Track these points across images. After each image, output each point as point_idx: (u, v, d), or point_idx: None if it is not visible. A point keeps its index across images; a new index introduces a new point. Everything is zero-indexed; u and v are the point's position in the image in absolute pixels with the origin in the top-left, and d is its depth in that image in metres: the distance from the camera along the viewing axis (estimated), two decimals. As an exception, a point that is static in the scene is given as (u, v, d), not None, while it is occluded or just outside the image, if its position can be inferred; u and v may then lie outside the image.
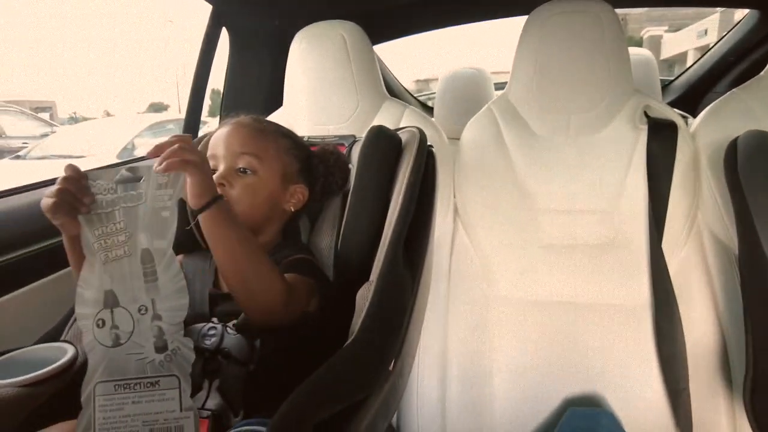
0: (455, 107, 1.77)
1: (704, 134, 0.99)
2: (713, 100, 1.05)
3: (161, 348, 0.57)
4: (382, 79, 1.22)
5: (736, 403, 0.89)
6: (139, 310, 0.58)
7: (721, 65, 1.91)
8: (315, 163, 0.91)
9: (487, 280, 1.03)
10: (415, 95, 2.53)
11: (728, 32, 1.92)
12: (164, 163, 0.60)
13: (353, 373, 0.63)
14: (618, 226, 1.00)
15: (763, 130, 0.88)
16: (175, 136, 0.64)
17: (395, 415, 0.99)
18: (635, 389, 0.94)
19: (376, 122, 1.09)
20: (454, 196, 1.10)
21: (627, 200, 0.99)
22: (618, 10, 1.05)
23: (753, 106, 0.98)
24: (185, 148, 0.61)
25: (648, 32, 11.83)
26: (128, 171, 0.64)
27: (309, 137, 1.08)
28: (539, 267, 1.02)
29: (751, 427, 0.82)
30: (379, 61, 1.99)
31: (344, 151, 1.00)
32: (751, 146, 0.85)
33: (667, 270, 0.93)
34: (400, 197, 0.80)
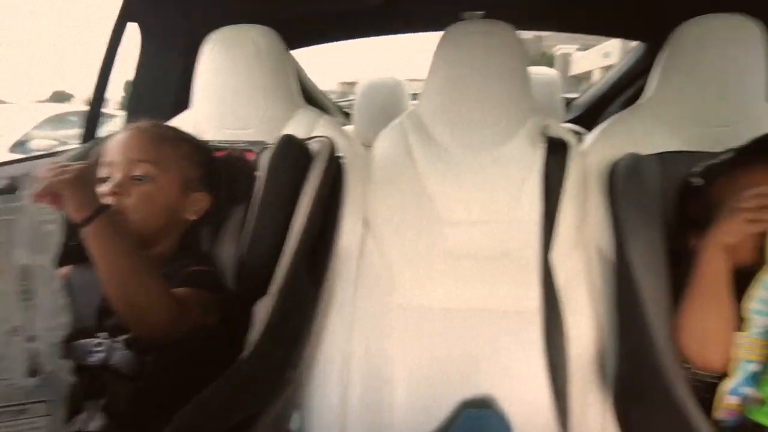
0: (373, 116, 1.80)
1: (592, 154, 1.07)
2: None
3: (34, 372, 0.54)
4: (298, 85, 1.22)
5: (609, 404, 0.97)
6: (10, 331, 0.54)
7: (615, 88, 2.09)
8: (218, 170, 0.89)
9: (392, 289, 1.06)
10: (339, 99, 2.54)
11: (623, 59, 2.11)
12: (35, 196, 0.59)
13: (245, 389, 0.63)
14: (514, 237, 1.06)
15: (639, 154, 0.97)
16: (51, 166, 0.62)
17: (297, 424, 0.98)
18: (523, 391, 0.99)
19: (288, 130, 1.08)
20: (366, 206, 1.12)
21: (523, 213, 1.05)
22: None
23: (635, 128, 1.08)
24: (53, 178, 0.60)
25: (560, 50, 12.64)
26: (8, 180, 0.60)
27: (217, 142, 1.06)
28: (441, 275, 1.06)
29: (616, 425, 0.90)
30: (299, 67, 1.98)
31: (253, 157, 0.99)
32: (628, 168, 0.94)
33: (555, 280, 1.00)
34: (306, 209, 0.80)
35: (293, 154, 0.90)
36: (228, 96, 1.12)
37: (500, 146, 1.09)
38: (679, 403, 0.71)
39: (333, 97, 3.44)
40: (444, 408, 1.00)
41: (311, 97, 2.01)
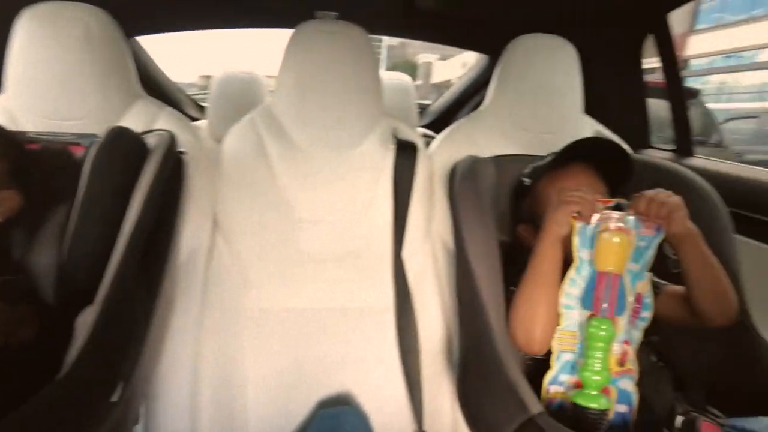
0: (228, 111, 1.71)
1: (437, 156, 1.14)
2: None
3: None
4: (135, 75, 1.12)
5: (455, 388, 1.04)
6: None
7: (464, 95, 2.26)
8: (32, 165, 0.78)
9: (246, 290, 1.02)
10: (199, 92, 2.38)
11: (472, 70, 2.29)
12: None
13: (64, 411, 0.56)
14: (368, 236, 1.08)
15: (476, 156, 1.06)
16: None
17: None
18: (380, 384, 1.02)
19: (124, 123, 0.99)
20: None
21: (375, 212, 1.08)
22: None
23: (474, 134, 1.18)
24: None
25: (422, 58, 13.35)
26: None
27: (37, 133, 0.93)
28: (297, 276, 1.04)
29: (460, 407, 0.97)
30: (147, 57, 1.82)
31: (82, 152, 0.89)
32: (464, 169, 1.02)
33: (406, 275, 1.05)
34: (137, 208, 0.74)
35: (124, 148, 0.82)
36: (51, 82, 0.99)
37: (353, 147, 1.11)
38: (513, 383, 0.77)
39: (193, 90, 3.23)
40: (301, 411, 0.99)
41: (160, 89, 1.87)
